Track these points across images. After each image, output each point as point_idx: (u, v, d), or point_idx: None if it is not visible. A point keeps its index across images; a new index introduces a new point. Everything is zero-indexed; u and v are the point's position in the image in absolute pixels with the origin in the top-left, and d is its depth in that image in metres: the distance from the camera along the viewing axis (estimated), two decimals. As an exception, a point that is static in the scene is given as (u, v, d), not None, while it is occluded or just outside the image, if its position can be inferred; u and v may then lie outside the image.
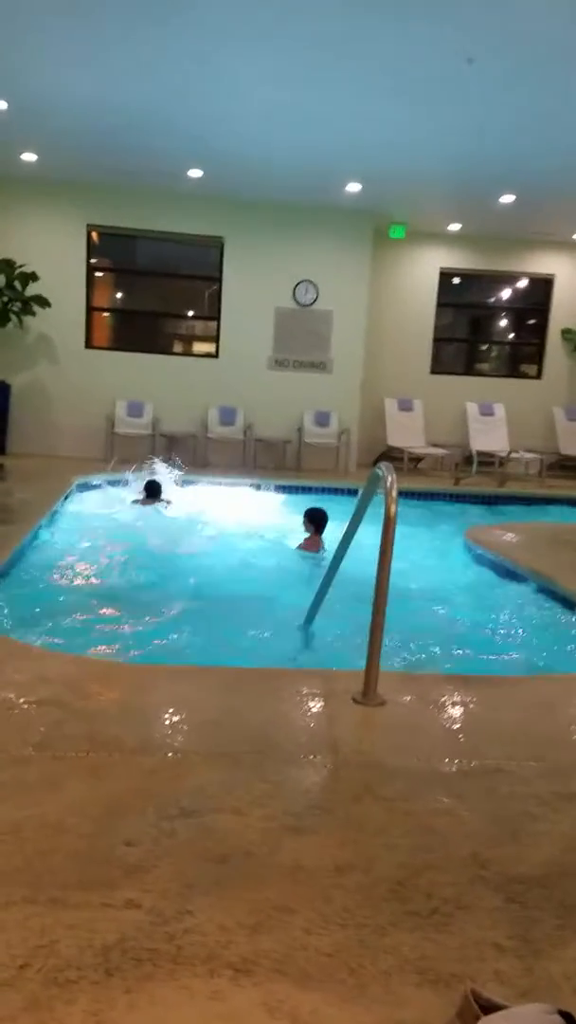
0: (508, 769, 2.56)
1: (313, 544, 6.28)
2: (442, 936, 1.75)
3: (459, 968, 1.65)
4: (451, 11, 5.21)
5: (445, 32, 5.50)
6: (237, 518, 7.84)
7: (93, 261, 10.84)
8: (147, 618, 4.66)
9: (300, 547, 6.33)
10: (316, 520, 6.37)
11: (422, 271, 11.89)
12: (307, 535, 6.38)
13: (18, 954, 1.61)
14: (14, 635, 3.73)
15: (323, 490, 9.44)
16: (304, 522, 6.46)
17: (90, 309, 10.84)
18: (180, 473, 8.88)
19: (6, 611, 4.44)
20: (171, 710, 2.92)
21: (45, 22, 5.73)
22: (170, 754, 2.52)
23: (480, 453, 11.16)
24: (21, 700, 2.87)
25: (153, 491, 8.06)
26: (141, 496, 8.05)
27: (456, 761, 2.60)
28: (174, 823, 2.11)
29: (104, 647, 4.12)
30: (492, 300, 13.02)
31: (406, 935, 1.74)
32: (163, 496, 8.08)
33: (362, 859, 2.01)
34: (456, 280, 12.33)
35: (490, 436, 11.65)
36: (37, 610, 4.59)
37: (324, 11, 5.33)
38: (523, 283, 12.55)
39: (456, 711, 3.08)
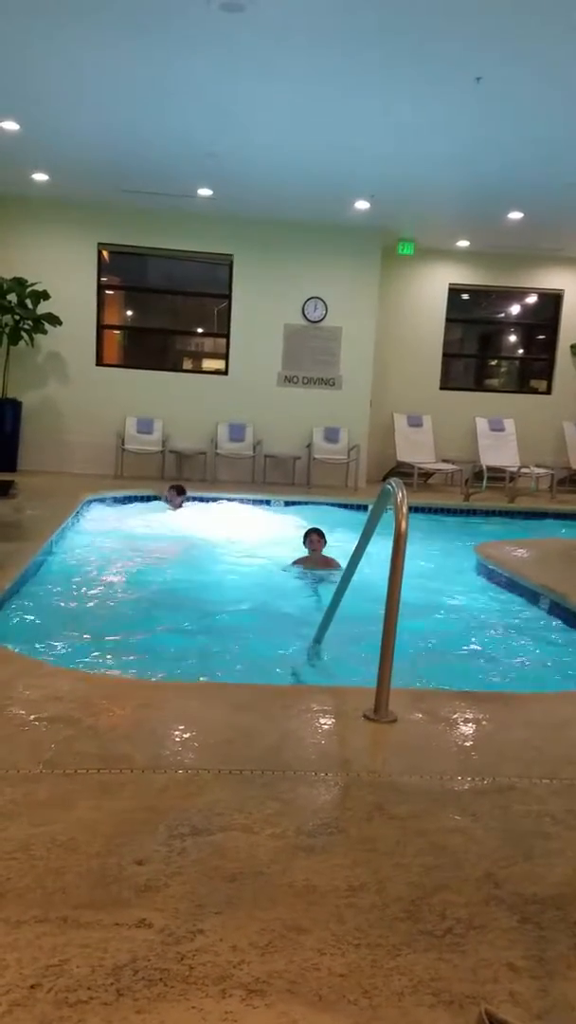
0: (521, 787, 2.54)
1: (310, 560, 6.31)
2: (456, 956, 1.73)
3: (473, 989, 1.63)
4: (459, 31, 5.25)
5: (453, 51, 5.55)
6: (246, 535, 7.85)
7: (104, 279, 10.93)
8: (157, 635, 4.67)
9: (296, 562, 6.38)
10: (308, 535, 6.45)
11: (431, 287, 11.94)
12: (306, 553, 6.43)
13: (29, 974, 1.60)
14: (25, 652, 3.73)
15: (333, 506, 9.44)
16: (309, 540, 6.47)
17: (100, 327, 10.93)
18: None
19: (17, 628, 4.45)
20: (181, 727, 2.91)
21: (57, 45, 5.81)
22: (180, 772, 2.51)
23: (490, 468, 11.14)
24: (32, 717, 2.87)
25: (181, 491, 8.66)
26: (171, 496, 8.59)
27: (469, 779, 2.58)
28: (185, 842, 2.10)
29: (114, 664, 4.13)
30: (501, 316, 13.06)
31: (419, 955, 1.72)
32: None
33: (374, 879, 1.99)
34: (465, 296, 12.37)
35: (500, 451, 11.64)
36: (48, 627, 4.60)
37: (332, 34, 5.38)
38: (532, 299, 12.58)
39: (468, 728, 3.06)
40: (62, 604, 5.13)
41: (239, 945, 1.72)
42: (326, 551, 6.38)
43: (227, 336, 11.12)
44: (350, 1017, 1.54)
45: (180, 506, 8.68)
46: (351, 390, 11.21)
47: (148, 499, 9.12)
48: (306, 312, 11.04)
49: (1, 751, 2.58)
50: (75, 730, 2.77)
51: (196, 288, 11.94)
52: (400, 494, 3.04)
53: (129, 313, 12.33)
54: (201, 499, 9.18)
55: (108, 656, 4.24)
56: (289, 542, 7.18)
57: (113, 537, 7.33)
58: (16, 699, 3.04)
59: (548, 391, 12.49)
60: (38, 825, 2.14)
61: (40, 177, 9.27)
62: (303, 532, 6.63)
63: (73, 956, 1.65)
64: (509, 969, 1.70)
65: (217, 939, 1.73)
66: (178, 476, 10.57)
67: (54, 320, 10.05)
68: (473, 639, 4.92)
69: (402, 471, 10.98)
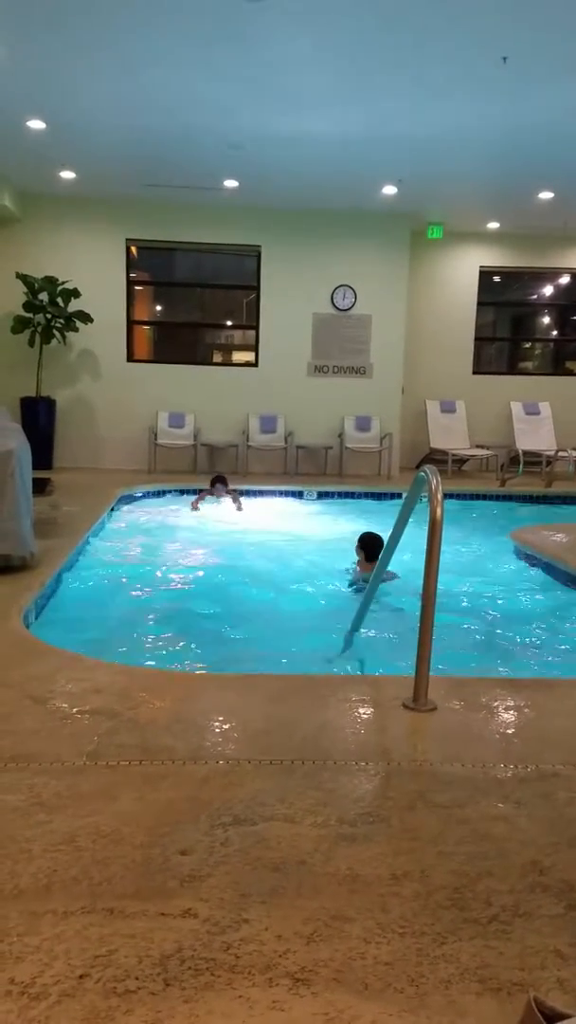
0: (565, 774, 2.52)
1: (365, 568, 5.99)
2: (502, 944, 1.72)
3: (520, 976, 1.62)
4: (485, 8, 5.17)
5: (479, 30, 5.46)
6: (281, 527, 7.85)
7: (132, 275, 10.98)
8: (194, 628, 4.69)
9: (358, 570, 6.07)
10: (366, 546, 5.81)
11: (462, 271, 11.80)
12: (358, 559, 6.11)
13: (77, 964, 1.62)
14: (65, 646, 3.77)
15: (366, 495, 9.40)
16: (356, 548, 6.16)
17: (131, 323, 10.98)
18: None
19: (56, 623, 4.50)
20: (221, 718, 2.92)
21: (79, 43, 5.83)
22: (221, 762, 2.52)
23: (526, 453, 11.01)
24: (74, 710, 2.90)
25: (222, 481, 8.71)
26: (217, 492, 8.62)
27: (511, 767, 2.56)
28: (227, 832, 2.11)
29: (152, 657, 4.15)
30: (534, 297, 12.87)
31: (465, 943, 1.72)
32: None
33: (418, 867, 1.99)
34: (496, 278, 12.21)
35: (536, 435, 11.50)
36: (86, 621, 4.65)
37: (357, 14, 5.33)
38: (566, 279, 12.38)
39: (509, 715, 3.03)
40: (100, 599, 5.18)
41: (284, 934, 1.72)
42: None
43: (256, 328, 11.11)
44: (397, 1005, 1.53)
45: (234, 498, 8.69)
46: (382, 378, 11.14)
47: (182, 493, 9.18)
48: (335, 300, 10.98)
49: (45, 744, 2.61)
50: (116, 722, 2.79)
51: (224, 281, 11.93)
52: (434, 481, 3.02)
53: (158, 308, 12.37)
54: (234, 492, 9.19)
55: (146, 649, 4.28)
56: (322, 533, 7.18)
57: (147, 531, 7.38)
58: (58, 692, 3.08)
59: (584, 372, 12.31)
60: (83, 817, 2.16)
61: (67, 175, 9.32)
62: (337, 528, 6.37)
63: (120, 946, 1.67)
64: (557, 956, 1.69)
65: (262, 928, 1.74)
66: (210, 469, 10.60)
67: (85, 317, 10.12)
68: (511, 625, 4.88)
69: (436, 458, 10.88)
